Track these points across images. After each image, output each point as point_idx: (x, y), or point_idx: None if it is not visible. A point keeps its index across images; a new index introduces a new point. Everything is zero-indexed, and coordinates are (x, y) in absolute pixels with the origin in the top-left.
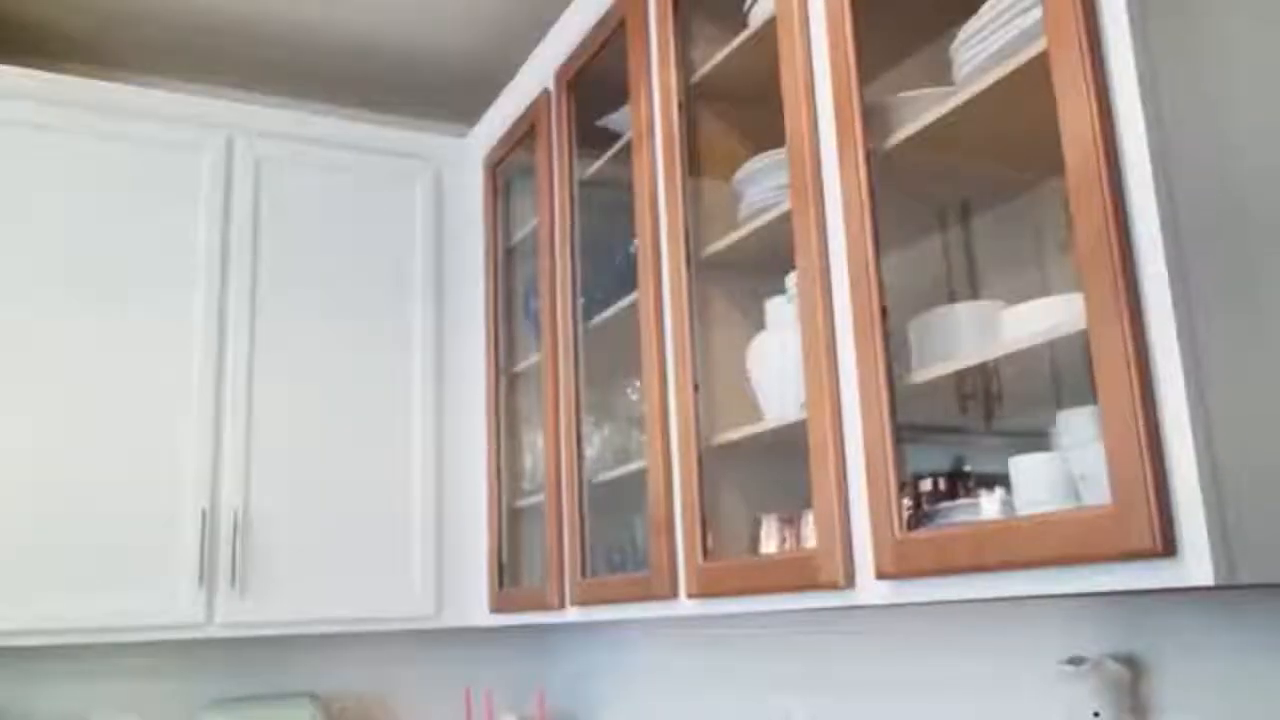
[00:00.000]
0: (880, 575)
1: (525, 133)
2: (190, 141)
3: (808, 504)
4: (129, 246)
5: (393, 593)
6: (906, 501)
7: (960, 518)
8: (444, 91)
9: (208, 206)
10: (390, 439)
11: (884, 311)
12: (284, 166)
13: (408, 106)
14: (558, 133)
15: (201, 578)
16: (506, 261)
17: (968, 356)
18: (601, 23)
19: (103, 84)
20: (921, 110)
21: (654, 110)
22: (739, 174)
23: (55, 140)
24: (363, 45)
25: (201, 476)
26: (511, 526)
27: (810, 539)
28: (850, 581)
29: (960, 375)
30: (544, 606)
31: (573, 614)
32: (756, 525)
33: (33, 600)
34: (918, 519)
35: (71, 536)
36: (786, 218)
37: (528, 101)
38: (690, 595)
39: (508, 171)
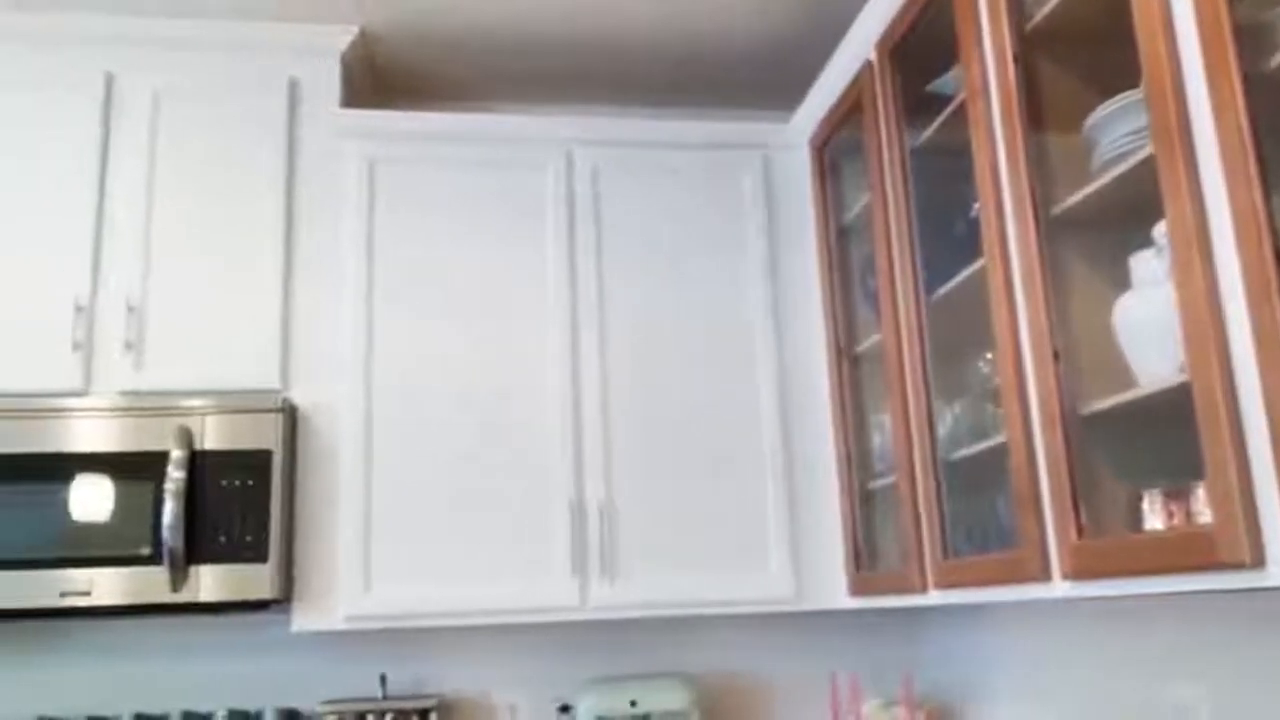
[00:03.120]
0: None
1: (850, 108)
2: (535, 159)
3: (1197, 475)
4: (491, 262)
5: (751, 576)
6: None
7: None
8: (759, 81)
9: (554, 217)
10: (739, 427)
11: None
12: (619, 173)
13: (725, 101)
14: (884, 104)
15: (574, 565)
16: (840, 241)
17: None
18: None
19: (459, 116)
20: None
21: (987, 66)
22: (1089, 122)
23: (425, 172)
24: (680, 47)
25: (566, 471)
26: (865, 508)
27: (1203, 514)
28: (1258, 560)
29: None
30: (904, 589)
31: (934, 596)
32: (1136, 500)
33: (452, 585)
34: None
35: (474, 530)
36: (1148, 163)
37: (850, 77)
38: (1065, 576)
39: (835, 150)
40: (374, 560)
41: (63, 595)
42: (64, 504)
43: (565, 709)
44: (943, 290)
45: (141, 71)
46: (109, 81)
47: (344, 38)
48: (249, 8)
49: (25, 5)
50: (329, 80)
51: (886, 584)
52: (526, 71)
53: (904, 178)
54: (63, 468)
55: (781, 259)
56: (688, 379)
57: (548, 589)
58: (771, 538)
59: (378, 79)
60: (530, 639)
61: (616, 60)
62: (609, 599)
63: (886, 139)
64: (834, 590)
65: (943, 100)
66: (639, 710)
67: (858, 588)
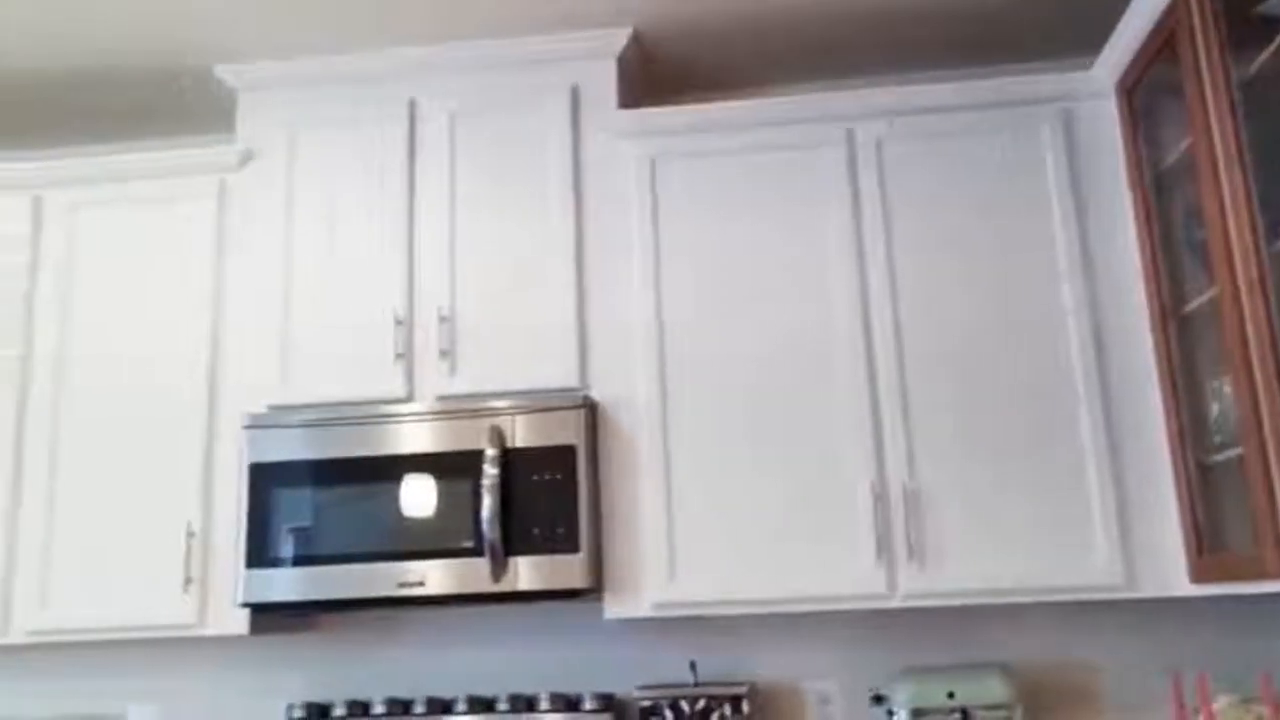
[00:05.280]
0: None
1: (1162, 44)
2: (815, 139)
3: None
4: (776, 247)
5: (1074, 561)
6: None
7: None
8: (1046, 30)
9: (838, 195)
10: (1052, 400)
11: None
12: (902, 144)
13: (1009, 55)
14: (1203, 34)
15: (880, 551)
16: (1156, 191)
17: None
18: None
19: (734, 104)
20: None
21: None
22: None
23: (703, 164)
24: (956, 2)
25: (865, 454)
26: (1205, 485)
27: None
28: None
29: None
30: (1259, 575)
31: None
32: None
33: (756, 572)
34: None
35: (775, 517)
36: None
37: (1161, 9)
38: None
39: (1146, 92)
40: (678, 549)
41: (400, 586)
42: (395, 502)
43: (879, 699)
44: None
45: (438, 95)
46: (412, 108)
47: (618, 40)
48: (528, 22)
49: (338, 46)
50: (607, 84)
51: (1235, 569)
52: (797, 52)
53: (1232, 114)
54: (393, 468)
55: (1090, 216)
56: (991, 351)
57: (854, 576)
58: (1096, 519)
59: (651, 77)
60: (840, 626)
61: (888, 27)
62: (919, 587)
63: (1209, 73)
64: (1172, 576)
65: (1274, 23)
66: (956, 702)
67: (1201, 573)
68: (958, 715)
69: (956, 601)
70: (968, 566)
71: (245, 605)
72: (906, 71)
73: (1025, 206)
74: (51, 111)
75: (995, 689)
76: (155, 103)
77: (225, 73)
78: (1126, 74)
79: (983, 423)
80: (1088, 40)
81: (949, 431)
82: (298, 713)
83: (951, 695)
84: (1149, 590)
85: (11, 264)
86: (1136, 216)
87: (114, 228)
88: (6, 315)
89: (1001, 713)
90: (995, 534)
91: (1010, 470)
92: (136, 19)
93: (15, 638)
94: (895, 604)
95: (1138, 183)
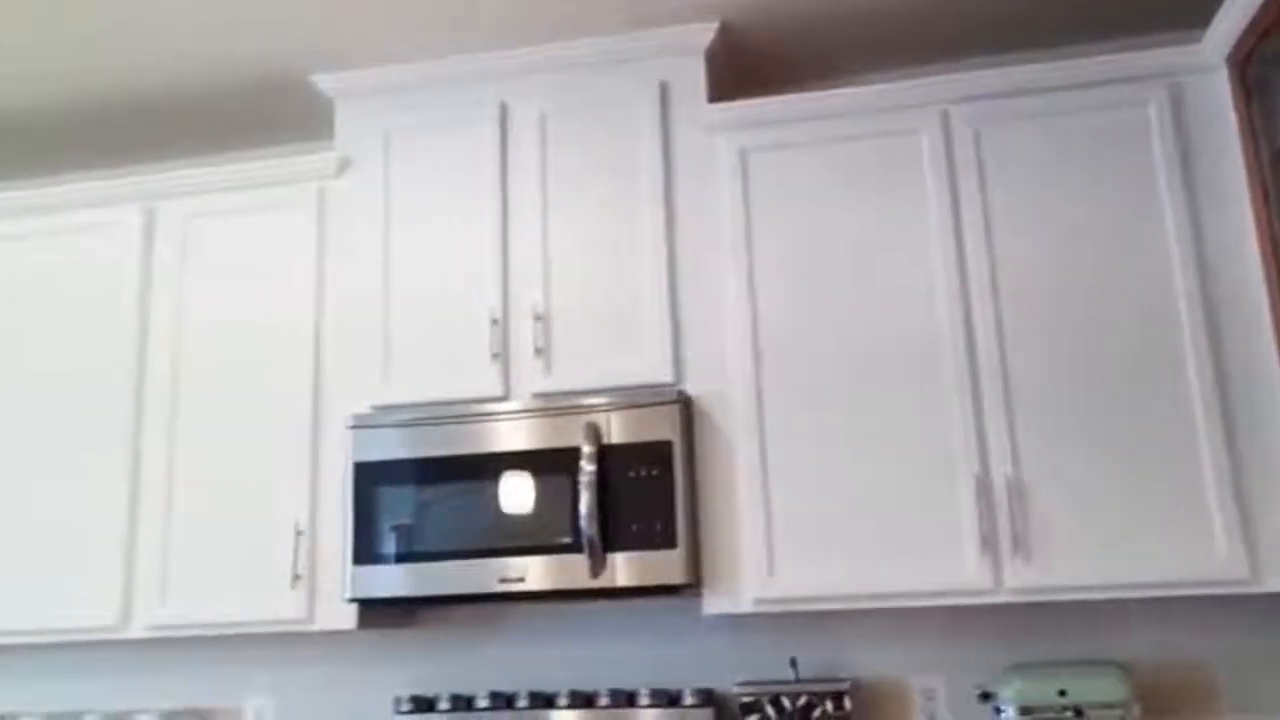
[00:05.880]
0: None
1: (1278, 13)
2: (909, 125)
3: None
4: (871, 237)
5: (1191, 554)
6: None
7: None
8: (1147, 3)
9: (934, 181)
10: (1163, 389)
11: None
12: (999, 127)
13: (1109, 31)
14: None
15: (984, 545)
16: (1274, 168)
17: None
18: None
19: (825, 94)
20: None
21: None
22: None
23: (795, 155)
24: None
25: (967, 445)
26: None
27: None
28: None
29: None
30: None
31: None
32: None
33: (856, 567)
34: None
35: (875, 510)
36: None
37: None
38: None
39: (1260, 65)
40: (776, 544)
41: (501, 582)
42: (494, 499)
43: (986, 696)
44: None
45: (528, 96)
46: (503, 110)
47: (706, 34)
48: (616, 21)
49: (430, 52)
50: (695, 78)
51: None
52: (887, 37)
53: None
54: (491, 466)
55: (1202, 196)
56: (1097, 337)
57: (957, 570)
58: (1213, 509)
59: (740, 70)
60: (943, 621)
61: (981, 7)
62: (1025, 581)
63: None
64: None
65: None
66: (1069, 700)
67: None
68: (1070, 714)
69: (1065, 597)
70: (1077, 560)
71: (353, 600)
72: (1002, 52)
73: (1133, 187)
74: (159, 127)
75: (1111, 687)
76: (253, 113)
77: (323, 82)
78: (1239, 46)
79: (1089, 410)
80: (1195, 12)
81: (1054, 420)
82: (405, 706)
83: (1063, 693)
84: (1276, 585)
85: (127, 272)
86: (1252, 195)
87: (221, 236)
88: (123, 322)
89: (1117, 712)
90: (1105, 525)
91: (1120, 459)
92: (234, 34)
93: (136, 633)
94: (1001, 599)
95: (1253, 160)
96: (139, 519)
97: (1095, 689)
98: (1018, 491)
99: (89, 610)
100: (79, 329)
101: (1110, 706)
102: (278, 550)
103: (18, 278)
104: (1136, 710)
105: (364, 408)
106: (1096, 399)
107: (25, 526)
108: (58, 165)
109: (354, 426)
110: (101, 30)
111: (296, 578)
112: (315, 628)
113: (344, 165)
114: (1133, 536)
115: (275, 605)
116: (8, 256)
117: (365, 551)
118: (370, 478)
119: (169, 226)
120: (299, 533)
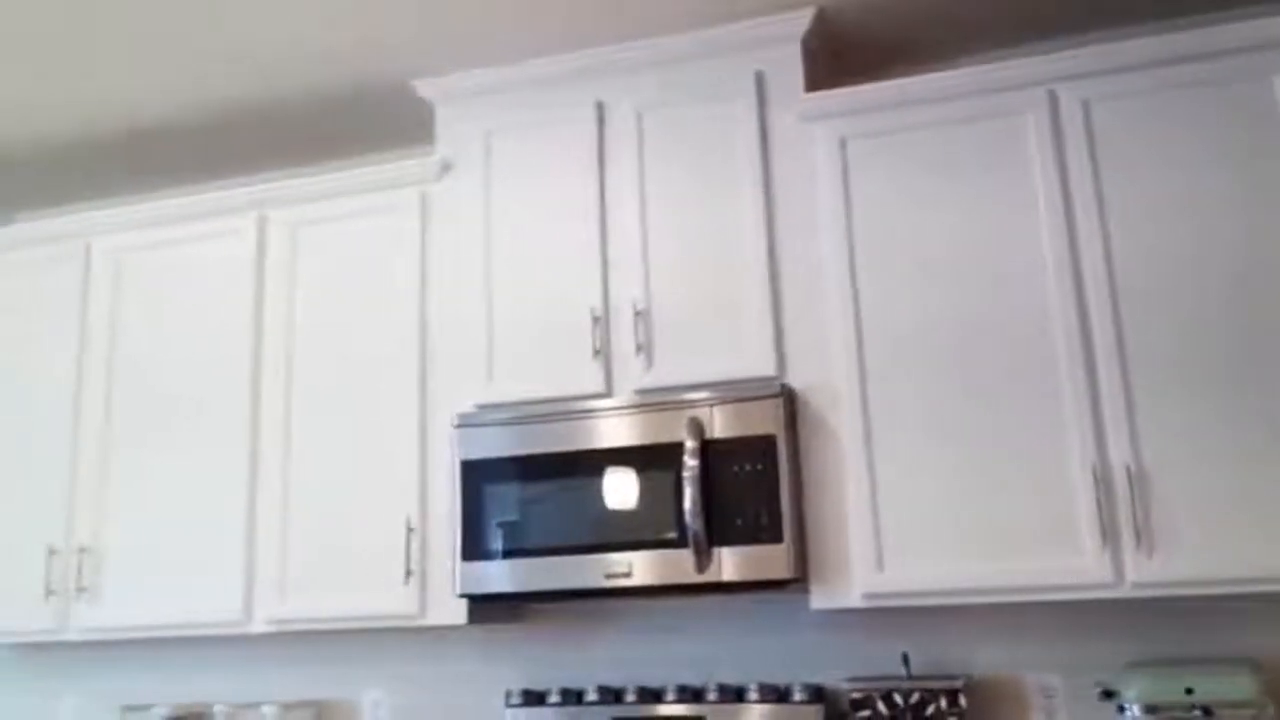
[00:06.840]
0: None
1: None
2: (1014, 106)
3: None
4: (975, 222)
5: None
6: None
7: None
8: None
9: (1041, 163)
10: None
11: None
12: (1110, 104)
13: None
14: None
15: (1104, 537)
16: None
17: None
18: None
19: (925, 78)
20: None
21: None
22: None
23: (894, 141)
24: None
25: (1084, 434)
26: None
27: None
28: None
29: None
30: None
31: None
32: None
33: (969, 561)
34: None
35: (986, 502)
36: None
37: None
38: None
39: None
40: (885, 537)
41: (607, 577)
42: (599, 495)
43: (1108, 694)
44: None
45: (625, 92)
46: (600, 108)
47: (801, 22)
48: (710, 13)
49: (526, 53)
50: (792, 67)
51: None
52: (987, 17)
53: None
54: (595, 462)
55: None
56: (1220, 318)
57: (1075, 564)
58: None
59: (836, 57)
60: (1061, 616)
61: None
62: (1149, 575)
63: None
64: None
65: None
66: (1196, 699)
67: None
68: (1198, 713)
69: (1191, 591)
70: (1203, 553)
71: (463, 596)
72: (1106, 28)
73: (1253, 165)
74: (269, 138)
75: (1243, 685)
76: (357, 121)
77: (423, 87)
78: None
79: (1215, 396)
80: None
81: (1177, 407)
82: (515, 699)
83: (1190, 691)
84: None
85: (242, 278)
86: None
87: (329, 241)
88: (239, 327)
89: (1249, 711)
90: (1234, 516)
91: (1248, 446)
92: (337, 46)
93: (257, 628)
94: (1123, 594)
95: None
96: (257, 518)
97: (1225, 687)
98: (1139, 482)
99: (214, 606)
100: (197, 336)
101: (1241, 706)
102: (390, 547)
103: (141, 287)
104: (1271, 710)
105: (469, 406)
106: (1222, 383)
107: (153, 526)
108: (176, 177)
109: (460, 425)
110: (212, 50)
111: (409, 574)
112: (427, 623)
113: (445, 168)
114: (1264, 529)
115: (388, 601)
116: (133, 267)
117: (474, 548)
118: (477, 475)
119: (280, 233)
120: (410, 530)
